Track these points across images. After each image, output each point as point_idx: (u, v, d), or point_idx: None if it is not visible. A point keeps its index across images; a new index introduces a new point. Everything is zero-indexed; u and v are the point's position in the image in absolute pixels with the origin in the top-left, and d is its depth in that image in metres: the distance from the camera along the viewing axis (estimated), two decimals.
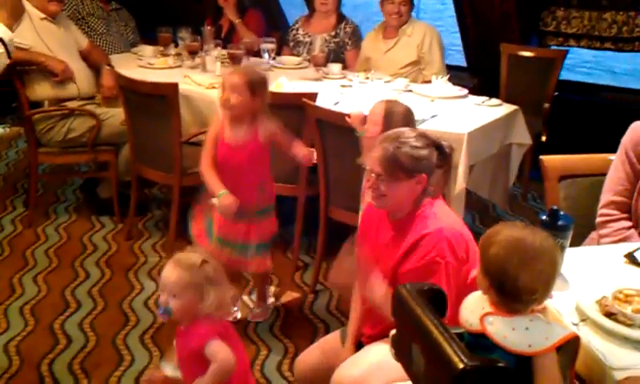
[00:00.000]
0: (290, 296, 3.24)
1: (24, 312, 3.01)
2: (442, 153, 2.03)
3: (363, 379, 2.00)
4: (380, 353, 2.02)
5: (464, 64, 5.43)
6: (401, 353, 1.58)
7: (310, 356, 2.31)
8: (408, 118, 2.42)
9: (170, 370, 2.08)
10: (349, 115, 2.89)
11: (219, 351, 1.90)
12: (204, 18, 4.84)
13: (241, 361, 2.03)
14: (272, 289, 3.25)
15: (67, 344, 2.81)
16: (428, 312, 1.46)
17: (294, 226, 3.43)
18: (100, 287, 3.24)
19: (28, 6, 3.69)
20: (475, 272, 1.99)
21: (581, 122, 4.48)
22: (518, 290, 1.39)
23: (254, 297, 3.13)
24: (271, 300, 3.14)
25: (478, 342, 1.47)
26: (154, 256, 3.54)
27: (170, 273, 1.91)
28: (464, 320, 1.51)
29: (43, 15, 3.72)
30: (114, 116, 3.72)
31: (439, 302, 1.56)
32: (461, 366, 1.31)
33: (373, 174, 2.03)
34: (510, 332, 1.40)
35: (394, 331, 1.63)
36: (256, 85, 2.62)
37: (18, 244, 3.60)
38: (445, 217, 2.03)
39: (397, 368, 1.56)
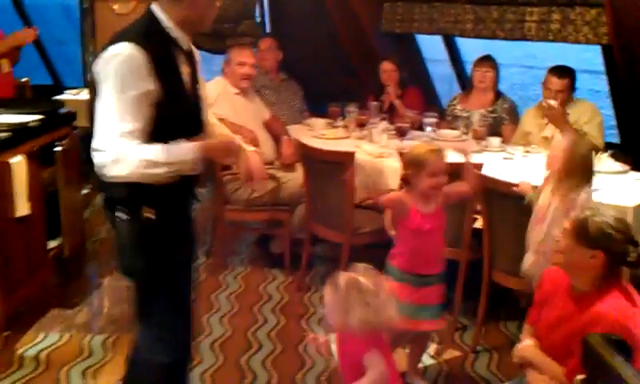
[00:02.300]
0: (451, 354, 3.42)
1: (214, 348, 3.40)
2: (636, 251, 2.10)
3: None
4: None
5: (615, 141, 5.45)
6: None
7: None
8: (588, 157, 2.71)
9: None
10: (517, 185, 3.13)
11: (377, 363, 2.15)
12: (364, 93, 5.29)
13: (392, 374, 2.25)
14: (433, 346, 3.45)
15: (253, 379, 3.16)
16: (620, 358, 1.65)
17: (452, 288, 3.63)
18: (277, 331, 3.60)
19: (225, 83, 4.27)
20: None
21: None
22: None
23: None
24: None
25: None
26: (322, 308, 3.85)
27: (325, 292, 2.19)
28: None
29: (236, 91, 4.27)
30: (292, 180, 4.16)
31: (625, 352, 1.74)
32: None
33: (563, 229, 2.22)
34: None
35: (581, 376, 1.81)
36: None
37: (205, 289, 4.05)
38: (627, 302, 2.11)
39: None
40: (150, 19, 2.19)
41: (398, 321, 2.23)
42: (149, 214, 2.18)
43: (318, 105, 5.27)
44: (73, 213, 4.11)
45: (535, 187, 3.04)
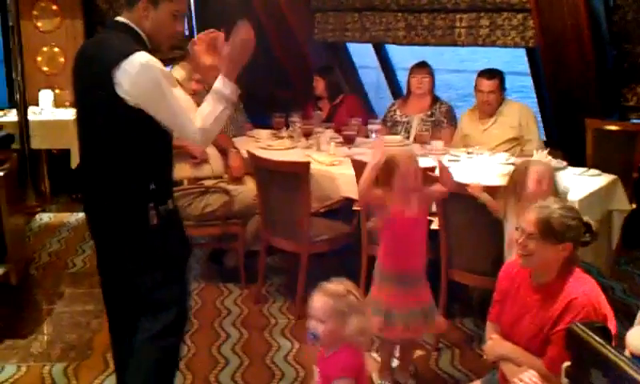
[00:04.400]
0: (415, 354, 3.50)
1: (181, 368, 3.32)
2: (590, 231, 2.32)
3: None
4: None
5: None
6: (577, 379, 1.88)
7: None
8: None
9: None
10: (469, 186, 3.28)
11: None
12: (301, 103, 5.38)
13: None
14: (398, 347, 3.53)
15: None
16: (605, 342, 1.77)
17: None
18: (242, 345, 3.59)
19: None
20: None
21: None
22: None
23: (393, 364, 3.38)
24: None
25: None
26: (283, 318, 3.89)
27: (317, 300, 2.17)
28: (633, 346, 1.82)
29: None
30: (244, 192, 4.17)
31: (606, 337, 1.87)
32: None
33: (524, 233, 2.33)
34: None
35: (567, 363, 1.93)
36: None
37: None
38: (588, 283, 2.30)
39: None
40: (131, 32, 2.31)
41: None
42: (171, 205, 2.43)
43: (256, 116, 5.28)
44: (17, 238, 3.97)
45: (485, 187, 3.23)
